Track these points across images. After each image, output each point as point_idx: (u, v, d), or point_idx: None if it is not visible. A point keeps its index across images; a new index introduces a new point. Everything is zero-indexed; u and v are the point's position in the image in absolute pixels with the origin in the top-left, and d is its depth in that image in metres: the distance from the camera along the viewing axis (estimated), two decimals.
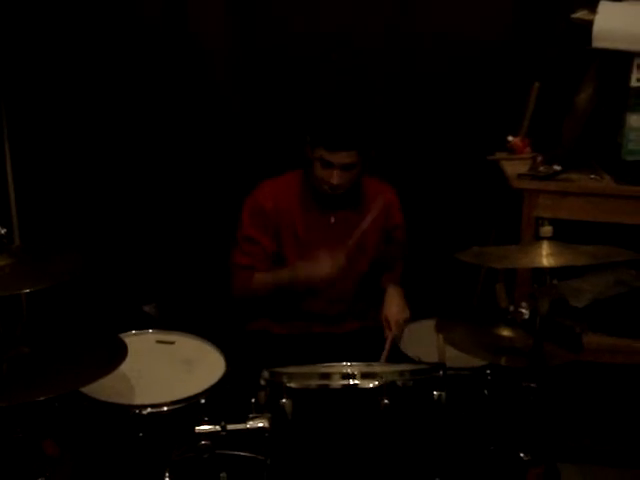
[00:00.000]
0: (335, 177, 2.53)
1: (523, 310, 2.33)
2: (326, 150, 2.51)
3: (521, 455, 2.21)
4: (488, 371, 2.38)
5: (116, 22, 3.05)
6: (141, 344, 2.51)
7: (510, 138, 2.98)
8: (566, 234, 2.21)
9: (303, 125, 2.66)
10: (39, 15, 3.02)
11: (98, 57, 3.08)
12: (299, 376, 2.08)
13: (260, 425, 1.99)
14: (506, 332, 2.36)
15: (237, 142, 3.17)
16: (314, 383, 2.08)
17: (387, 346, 2.48)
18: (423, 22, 3.03)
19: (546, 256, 2.10)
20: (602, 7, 2.70)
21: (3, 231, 2.06)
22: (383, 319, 2.60)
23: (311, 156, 2.57)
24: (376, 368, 2.17)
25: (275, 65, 3.10)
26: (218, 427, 1.98)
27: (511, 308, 2.36)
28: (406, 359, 2.48)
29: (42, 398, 1.94)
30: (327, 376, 2.09)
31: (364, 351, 2.48)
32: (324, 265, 2.54)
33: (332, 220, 2.69)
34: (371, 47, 3.06)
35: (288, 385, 2.05)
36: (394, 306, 2.62)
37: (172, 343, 2.56)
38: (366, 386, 2.04)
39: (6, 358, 2.07)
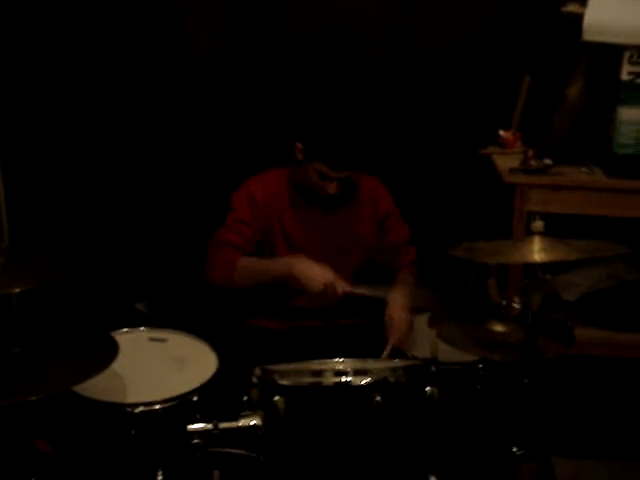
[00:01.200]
0: (333, 188, 2.56)
1: (515, 305, 2.34)
2: (327, 167, 2.52)
3: (514, 450, 2.21)
4: (480, 366, 2.38)
5: (108, 19, 3.03)
6: (133, 342, 2.50)
7: (501, 132, 2.98)
8: (558, 228, 2.21)
9: (293, 130, 2.65)
10: (28, 14, 3.00)
11: (89, 54, 3.06)
12: (291, 373, 2.09)
13: (253, 423, 1.99)
14: (498, 327, 2.35)
15: (227, 141, 3.15)
16: (306, 380, 2.08)
17: (387, 348, 2.47)
18: (414, 16, 3.02)
19: (538, 251, 2.10)
20: (592, 0, 2.70)
21: None
22: (386, 319, 2.56)
23: (305, 164, 2.58)
24: (368, 364, 2.16)
25: (266, 66, 3.08)
26: (210, 425, 1.98)
27: (503, 303, 2.37)
28: (399, 354, 2.48)
29: (34, 398, 1.93)
30: (319, 373, 2.09)
31: (359, 345, 2.49)
32: (319, 279, 2.49)
33: (321, 216, 2.68)
34: (361, 41, 3.05)
35: (280, 383, 2.05)
36: (397, 311, 2.57)
37: (164, 341, 2.55)
38: (358, 383, 2.05)
39: None
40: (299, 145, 2.60)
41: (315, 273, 2.50)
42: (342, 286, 2.51)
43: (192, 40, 3.06)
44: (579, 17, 2.68)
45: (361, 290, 2.55)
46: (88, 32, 3.03)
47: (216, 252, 2.63)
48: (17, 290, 2.01)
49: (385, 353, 2.45)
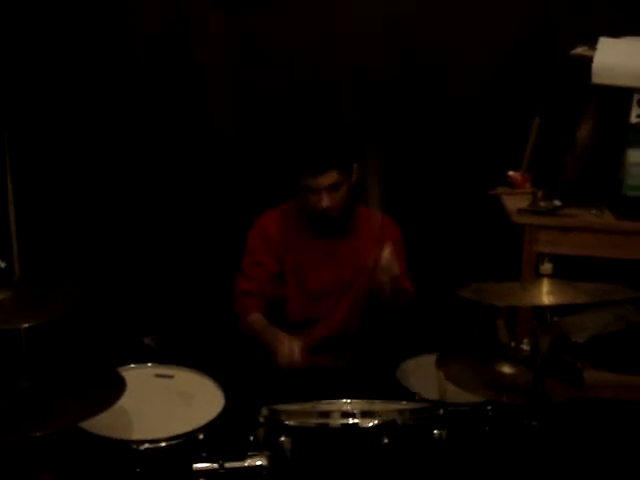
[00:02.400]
0: (323, 200, 2.54)
1: (524, 346, 2.33)
2: (307, 176, 2.53)
3: None
4: (489, 407, 2.37)
5: (119, 47, 3.09)
6: (140, 378, 2.49)
7: (510, 173, 2.99)
8: (567, 269, 2.20)
9: (290, 157, 2.68)
10: (42, 33, 3.06)
11: (101, 91, 3.11)
12: (298, 414, 2.07)
13: (259, 463, 1.98)
14: (507, 368, 2.34)
15: (236, 174, 3.19)
16: (313, 421, 2.07)
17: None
18: (425, 57, 3.06)
19: (546, 294, 2.10)
20: (601, 43, 2.72)
21: (3, 265, 2.06)
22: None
23: (299, 187, 2.59)
24: (376, 406, 2.15)
25: (273, 97, 3.14)
26: (216, 465, 1.96)
27: (512, 344, 2.36)
28: (407, 393, 2.47)
29: (39, 433, 1.92)
30: (326, 414, 2.07)
31: (363, 383, 2.48)
32: (284, 358, 2.49)
33: (329, 247, 2.69)
34: (372, 80, 3.09)
35: (287, 423, 2.04)
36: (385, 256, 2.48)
37: (171, 377, 2.54)
38: (366, 425, 2.03)
39: (4, 392, 2.06)
40: (293, 168, 2.63)
41: (282, 351, 2.49)
42: (301, 363, 2.50)
43: (203, 72, 3.12)
44: (588, 60, 2.70)
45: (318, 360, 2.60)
46: (102, 62, 3.11)
47: (236, 302, 2.71)
48: (26, 325, 2.01)
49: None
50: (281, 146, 3.11)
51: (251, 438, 2.06)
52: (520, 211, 2.77)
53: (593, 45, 2.73)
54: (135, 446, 2.19)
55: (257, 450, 2.01)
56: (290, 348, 2.48)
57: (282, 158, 3.02)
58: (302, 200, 2.61)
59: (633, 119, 2.68)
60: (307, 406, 2.13)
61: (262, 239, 2.69)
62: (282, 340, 2.51)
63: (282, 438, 2.01)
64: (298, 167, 2.57)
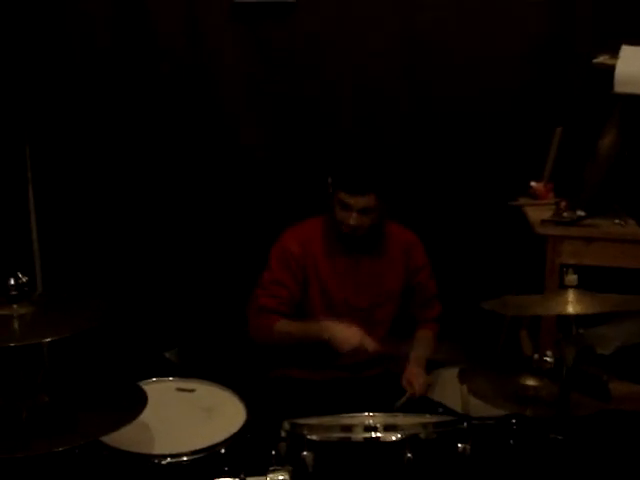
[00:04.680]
0: (353, 219, 2.55)
1: (548, 358, 2.30)
2: (345, 193, 2.54)
3: None
4: (514, 420, 2.34)
5: (139, 59, 3.10)
6: (161, 392, 2.49)
7: (533, 183, 2.97)
8: (591, 280, 2.18)
9: (325, 168, 2.68)
10: (63, 45, 3.07)
11: (121, 102, 3.12)
12: (320, 428, 2.06)
13: (281, 478, 1.95)
14: (531, 381, 2.31)
15: (258, 189, 3.19)
16: (335, 435, 2.06)
17: (403, 398, 2.48)
18: (444, 68, 3.05)
19: (571, 304, 2.07)
20: (624, 52, 2.70)
21: (25, 279, 2.06)
22: (404, 377, 2.58)
23: (333, 198, 2.60)
24: (399, 420, 2.13)
25: (296, 109, 3.13)
26: None
27: (536, 356, 2.33)
28: (430, 404, 2.46)
29: (61, 448, 1.92)
30: (349, 428, 2.06)
31: (386, 396, 2.47)
32: (350, 342, 2.50)
33: (354, 265, 2.68)
34: (391, 93, 3.09)
35: (309, 437, 2.02)
36: (413, 372, 2.59)
37: (192, 391, 2.54)
38: (388, 439, 2.01)
39: (26, 407, 2.06)
40: (329, 179, 2.63)
41: (345, 336, 2.51)
42: (372, 346, 2.52)
43: (224, 88, 3.12)
44: (611, 68, 2.68)
45: (388, 348, 2.58)
46: (124, 84, 3.11)
47: (255, 317, 2.69)
48: (47, 340, 2.01)
49: (401, 401, 2.45)
50: (303, 156, 3.12)
51: (273, 452, 2.05)
52: (543, 222, 2.74)
53: (615, 54, 2.71)
54: (157, 460, 2.19)
55: (279, 464, 2.00)
56: (353, 331, 2.49)
57: (306, 169, 3.09)
58: (333, 213, 2.61)
59: None
60: (329, 420, 2.11)
61: (285, 259, 2.67)
62: (339, 326, 2.51)
63: (304, 452, 2.01)
64: (338, 182, 2.58)
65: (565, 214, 2.73)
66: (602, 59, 2.83)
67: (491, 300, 2.20)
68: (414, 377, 2.55)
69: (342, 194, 2.55)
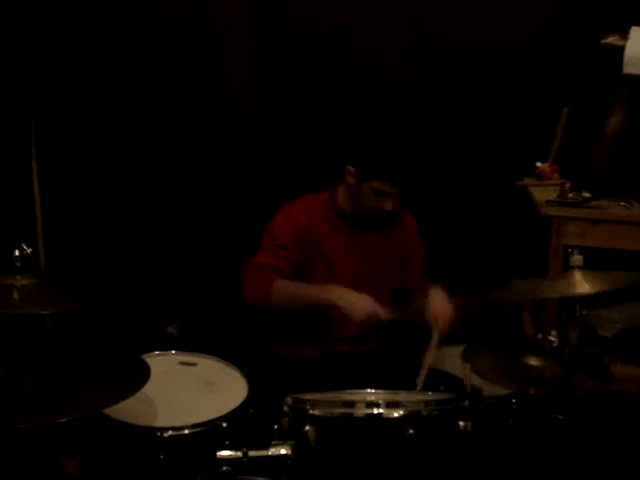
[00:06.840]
0: (390, 204, 2.57)
1: (552, 338, 2.30)
2: (388, 184, 2.53)
3: None
4: (514, 400, 2.35)
5: (150, 57, 3.10)
6: (163, 365, 2.50)
7: (538, 164, 2.96)
8: (595, 262, 2.18)
9: (342, 155, 2.65)
10: (69, 31, 3.05)
11: (127, 82, 3.11)
12: (323, 403, 2.06)
13: (283, 452, 1.96)
14: (534, 361, 2.32)
15: (261, 166, 3.18)
16: (338, 411, 2.05)
17: (432, 345, 2.44)
18: (452, 48, 3.03)
19: (577, 284, 2.07)
20: (634, 33, 2.68)
21: (29, 250, 2.06)
22: (430, 317, 2.52)
23: (358, 185, 2.58)
24: (401, 396, 2.13)
25: (304, 96, 3.13)
26: (240, 453, 1.96)
27: (539, 336, 2.33)
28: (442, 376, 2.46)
29: (64, 419, 1.92)
30: (351, 404, 2.06)
31: (387, 370, 2.48)
32: (362, 307, 2.45)
33: (358, 241, 2.69)
34: (399, 74, 3.07)
35: (312, 412, 2.02)
36: (440, 302, 2.54)
37: (194, 365, 2.54)
38: (391, 415, 2.01)
39: (28, 376, 2.06)
40: (351, 168, 2.61)
41: (357, 301, 2.47)
42: (384, 314, 2.48)
43: (231, 73, 3.12)
44: (619, 49, 2.66)
45: (400, 315, 2.54)
46: (130, 65, 3.10)
47: (253, 272, 2.60)
48: (48, 312, 2.01)
49: (421, 378, 2.41)
50: (315, 146, 3.10)
51: (275, 427, 2.05)
52: (548, 203, 2.74)
53: (624, 34, 2.69)
54: (159, 433, 2.19)
55: (281, 439, 2.00)
56: (365, 296, 2.46)
57: (318, 155, 3.07)
58: (360, 198, 2.60)
59: None
60: (331, 396, 2.11)
61: (291, 227, 2.65)
62: (351, 290, 2.47)
63: (306, 427, 2.00)
64: (373, 172, 2.55)
65: (570, 195, 2.73)
66: (611, 40, 2.80)
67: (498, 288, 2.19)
68: (440, 311, 2.51)
69: (381, 184, 2.54)
